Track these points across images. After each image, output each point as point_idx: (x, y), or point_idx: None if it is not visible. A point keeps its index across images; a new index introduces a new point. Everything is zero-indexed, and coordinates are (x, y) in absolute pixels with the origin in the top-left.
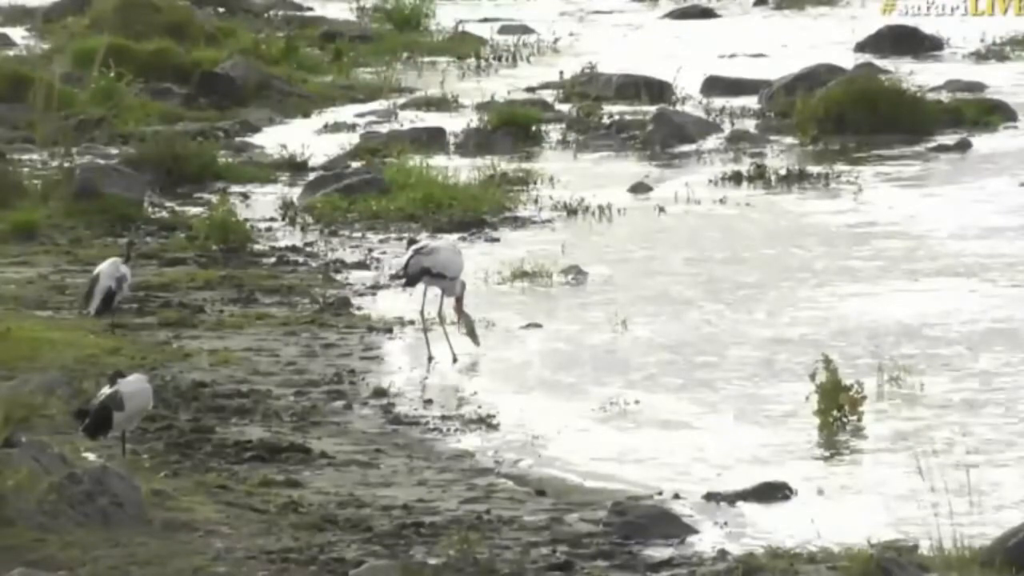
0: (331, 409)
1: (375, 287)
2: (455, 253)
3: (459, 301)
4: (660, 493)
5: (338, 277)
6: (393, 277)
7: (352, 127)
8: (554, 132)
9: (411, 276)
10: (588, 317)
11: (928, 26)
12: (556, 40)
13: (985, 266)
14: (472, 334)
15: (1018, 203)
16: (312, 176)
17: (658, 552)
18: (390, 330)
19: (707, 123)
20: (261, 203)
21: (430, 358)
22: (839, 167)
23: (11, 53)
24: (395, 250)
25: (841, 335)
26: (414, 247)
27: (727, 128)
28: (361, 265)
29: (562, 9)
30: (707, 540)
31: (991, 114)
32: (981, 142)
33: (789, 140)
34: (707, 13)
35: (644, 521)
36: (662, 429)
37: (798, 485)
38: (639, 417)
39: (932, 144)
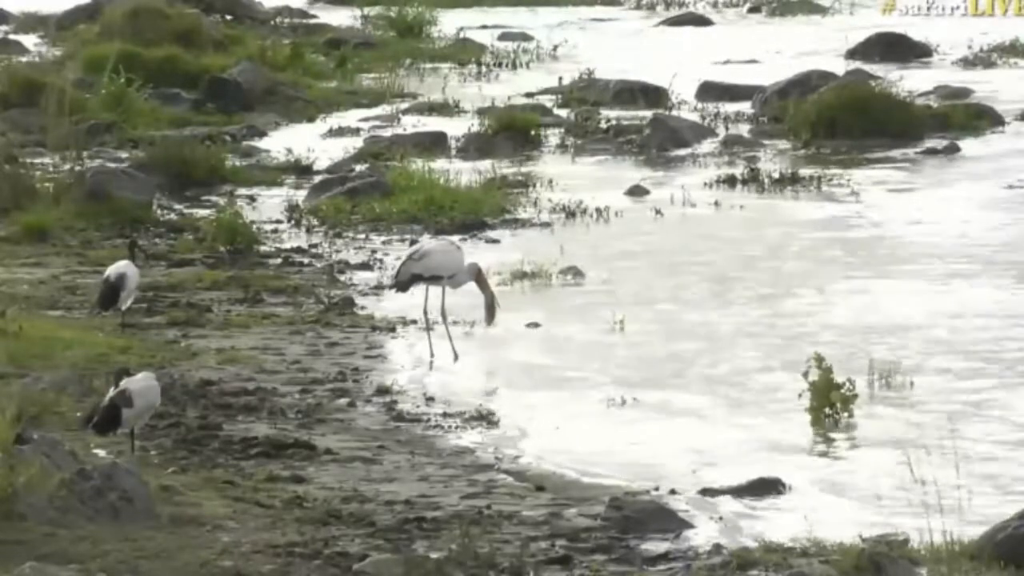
0: (335, 406)
1: (378, 287)
2: (449, 252)
3: (479, 282)
4: (656, 488)
5: (342, 278)
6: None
7: (356, 131)
8: (553, 136)
9: (400, 283)
10: (586, 316)
11: (922, 29)
12: (555, 47)
13: (973, 266)
14: (491, 310)
15: (1005, 204)
16: (317, 179)
17: (655, 546)
18: (393, 329)
19: (702, 127)
20: (267, 206)
21: (432, 357)
22: (831, 170)
23: (24, 60)
24: (398, 251)
25: (833, 334)
26: (408, 251)
27: (721, 132)
28: (365, 266)
29: (561, 17)
30: (702, 534)
31: (978, 119)
32: (969, 146)
33: (782, 144)
34: (702, 21)
35: (641, 516)
36: (658, 426)
37: (791, 481)
38: (636, 414)
39: (921, 148)
